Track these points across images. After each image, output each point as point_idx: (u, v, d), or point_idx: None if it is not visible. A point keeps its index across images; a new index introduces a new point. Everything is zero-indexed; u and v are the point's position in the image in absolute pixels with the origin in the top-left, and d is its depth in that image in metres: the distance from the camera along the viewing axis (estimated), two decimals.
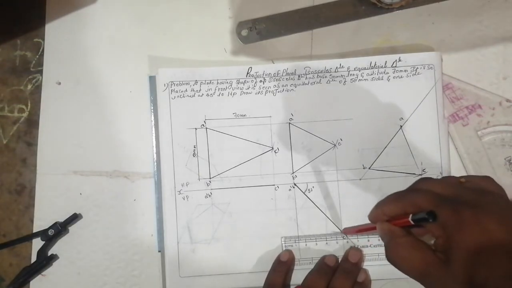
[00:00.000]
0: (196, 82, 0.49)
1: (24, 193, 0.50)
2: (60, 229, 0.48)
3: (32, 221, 0.49)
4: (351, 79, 0.49)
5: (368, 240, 0.47)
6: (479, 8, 0.50)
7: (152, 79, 0.49)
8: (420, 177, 0.47)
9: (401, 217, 0.38)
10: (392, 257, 0.38)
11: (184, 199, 0.48)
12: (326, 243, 0.48)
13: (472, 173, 0.48)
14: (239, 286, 0.47)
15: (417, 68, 0.48)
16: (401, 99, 0.48)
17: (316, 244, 0.48)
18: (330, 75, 0.49)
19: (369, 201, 0.47)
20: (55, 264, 0.49)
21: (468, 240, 0.34)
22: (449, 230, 0.35)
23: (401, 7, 0.48)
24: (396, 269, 0.47)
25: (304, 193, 0.48)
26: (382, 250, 0.47)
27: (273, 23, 0.49)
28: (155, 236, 0.48)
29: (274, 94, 0.49)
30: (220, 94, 0.49)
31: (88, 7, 0.51)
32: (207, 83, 0.49)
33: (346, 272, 0.45)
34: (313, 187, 0.48)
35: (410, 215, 0.37)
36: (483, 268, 0.33)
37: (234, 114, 0.48)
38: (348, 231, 0.47)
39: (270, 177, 0.48)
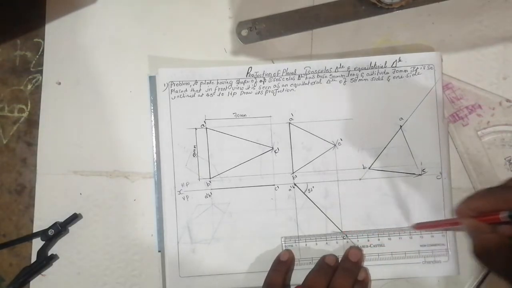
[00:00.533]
0: (196, 82, 0.49)
1: (24, 193, 0.50)
2: (60, 229, 0.48)
3: (32, 221, 0.49)
4: (351, 79, 0.49)
5: (368, 240, 0.47)
6: (479, 8, 0.50)
7: (152, 79, 0.49)
8: (419, 177, 0.47)
9: (490, 213, 0.38)
10: (480, 254, 0.38)
11: (184, 199, 0.48)
12: (326, 243, 0.48)
13: (472, 173, 0.48)
14: (239, 286, 0.47)
15: (417, 68, 0.48)
16: (401, 99, 0.48)
17: (316, 244, 0.48)
18: (330, 75, 0.49)
19: (369, 201, 0.48)
20: (55, 264, 0.49)
21: None
22: None
23: (401, 7, 0.48)
24: (396, 269, 0.47)
25: (304, 193, 0.48)
26: (382, 250, 0.47)
27: (273, 23, 0.49)
28: (155, 236, 0.48)
29: (274, 94, 0.49)
30: (220, 94, 0.49)
31: (88, 7, 0.51)
32: (207, 83, 0.49)
33: (346, 271, 0.45)
34: (313, 187, 0.48)
35: (506, 212, 0.36)
36: None
37: (234, 114, 0.48)
38: (422, 226, 0.47)
39: (270, 177, 0.48)
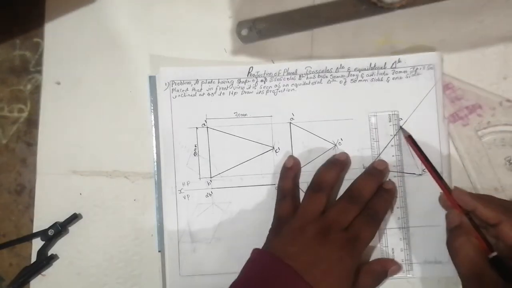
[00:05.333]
0: (197, 81, 0.49)
1: (24, 193, 0.49)
2: (60, 229, 0.47)
3: (32, 221, 0.49)
4: (351, 80, 0.49)
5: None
6: (480, 8, 0.50)
7: (152, 79, 0.49)
8: (420, 177, 0.47)
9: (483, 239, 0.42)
10: (451, 247, 0.42)
11: (184, 198, 0.48)
12: None
13: (472, 173, 0.48)
14: None
15: (417, 68, 0.48)
16: (401, 99, 0.48)
17: None
18: (330, 75, 0.49)
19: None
20: (55, 264, 0.48)
21: None
22: None
23: (401, 7, 0.48)
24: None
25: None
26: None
27: (273, 23, 0.49)
28: (155, 236, 0.48)
29: (275, 93, 0.49)
30: (221, 94, 0.49)
31: (88, 7, 0.51)
32: (208, 83, 0.49)
33: (370, 174, 0.47)
34: None
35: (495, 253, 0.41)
36: None
37: (235, 114, 0.48)
38: (414, 148, 0.47)
39: (271, 176, 0.48)
